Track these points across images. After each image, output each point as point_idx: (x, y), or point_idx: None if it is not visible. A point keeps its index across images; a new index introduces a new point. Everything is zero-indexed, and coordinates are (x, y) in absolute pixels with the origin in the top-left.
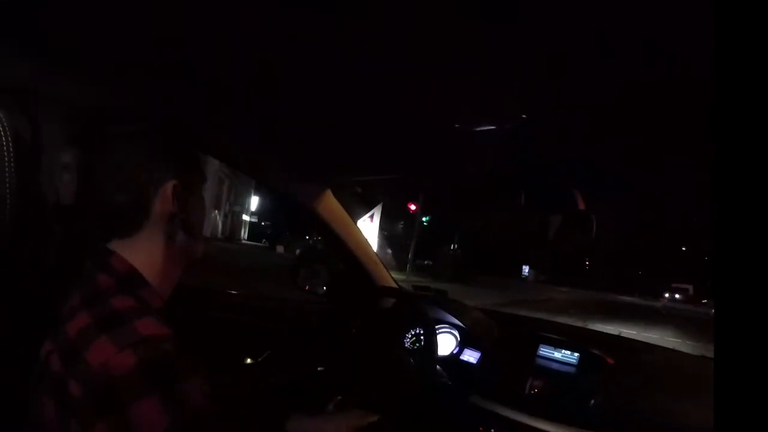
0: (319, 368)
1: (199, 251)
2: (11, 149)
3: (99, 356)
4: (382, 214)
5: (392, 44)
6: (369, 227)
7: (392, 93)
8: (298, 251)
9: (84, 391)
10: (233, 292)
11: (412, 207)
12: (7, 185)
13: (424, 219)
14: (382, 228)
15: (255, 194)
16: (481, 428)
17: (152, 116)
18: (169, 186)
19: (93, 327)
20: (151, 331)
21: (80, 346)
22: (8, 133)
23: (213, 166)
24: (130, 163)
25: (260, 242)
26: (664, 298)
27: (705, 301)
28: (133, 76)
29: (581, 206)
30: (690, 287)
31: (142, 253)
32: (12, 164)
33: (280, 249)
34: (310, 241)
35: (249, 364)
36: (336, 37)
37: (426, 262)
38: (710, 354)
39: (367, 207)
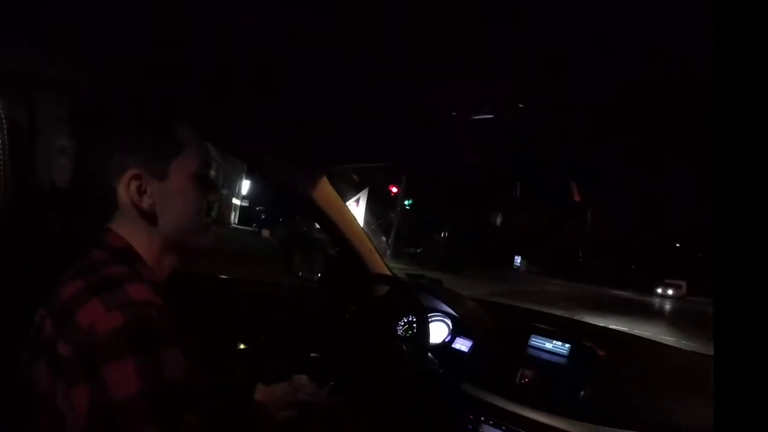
0: (312, 354)
1: (193, 242)
2: (6, 134)
3: (88, 316)
4: (369, 198)
5: (391, 32)
6: (355, 211)
7: (390, 80)
8: (281, 236)
9: (71, 350)
10: (224, 277)
11: (394, 189)
12: (2, 169)
13: (406, 202)
14: (374, 214)
15: (246, 178)
16: (471, 416)
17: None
18: (129, 174)
19: (86, 291)
20: (141, 296)
21: (72, 309)
22: (3, 117)
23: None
24: (97, 151)
25: (251, 227)
26: (657, 293)
27: (692, 298)
28: (129, 62)
29: (576, 198)
30: (684, 283)
31: (131, 236)
32: (7, 148)
33: (266, 233)
34: (298, 226)
35: (242, 349)
36: (334, 24)
37: (412, 250)
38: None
39: (355, 191)
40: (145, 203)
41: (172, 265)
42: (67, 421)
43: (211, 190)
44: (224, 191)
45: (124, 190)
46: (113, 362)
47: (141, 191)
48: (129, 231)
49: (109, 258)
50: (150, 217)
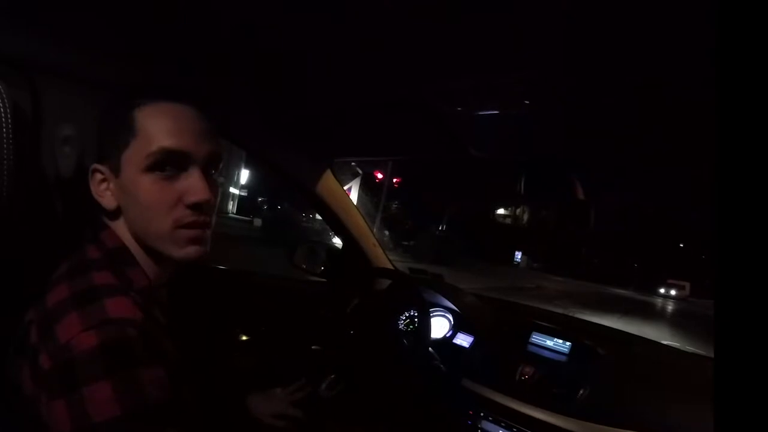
0: (313, 347)
1: (173, 252)
2: (10, 121)
3: (66, 333)
4: (361, 186)
5: (397, 24)
6: None
7: (396, 73)
8: (266, 222)
9: (51, 365)
10: (223, 267)
11: (379, 175)
12: (6, 155)
13: (394, 180)
14: (367, 202)
15: (245, 168)
16: (470, 412)
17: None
18: (91, 169)
19: (68, 301)
20: (120, 313)
21: (53, 321)
22: (8, 104)
23: None
24: (74, 144)
25: (249, 217)
26: (660, 293)
27: (695, 299)
28: (135, 47)
29: (580, 196)
30: (687, 284)
31: (125, 233)
32: (11, 136)
33: (257, 222)
34: (284, 213)
35: (243, 340)
36: (341, 15)
37: (406, 242)
38: None
39: (348, 179)
40: (105, 201)
41: (171, 270)
42: (49, 430)
43: (193, 192)
44: (221, 179)
45: (91, 185)
46: (91, 383)
47: (100, 187)
48: (120, 228)
49: (100, 259)
50: (114, 217)
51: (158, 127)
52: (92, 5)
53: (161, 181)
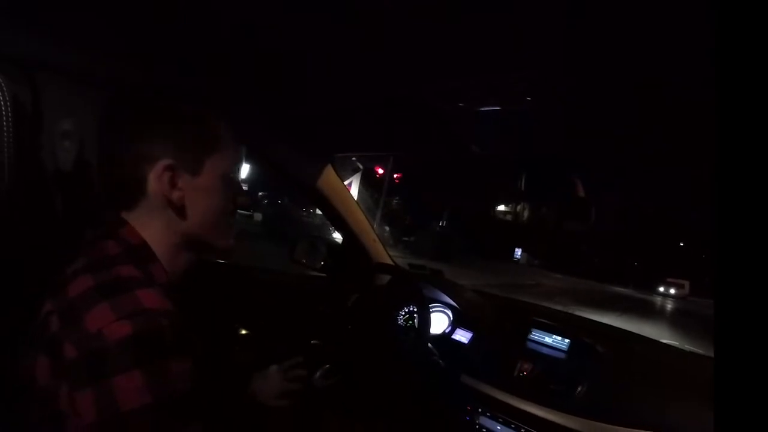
0: (312, 341)
1: (216, 241)
2: (11, 115)
3: (97, 322)
4: (361, 181)
5: (398, 21)
6: None
7: (398, 68)
8: (260, 215)
9: (78, 354)
10: (222, 262)
11: (380, 171)
12: (6, 150)
13: (394, 176)
14: (368, 198)
15: (246, 162)
16: (468, 407)
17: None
18: (161, 164)
19: (95, 291)
20: (152, 303)
21: (80, 310)
22: (8, 99)
23: None
24: (126, 137)
25: (248, 211)
26: (659, 291)
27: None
28: (135, 47)
29: (580, 194)
30: (686, 283)
31: (150, 229)
32: (11, 130)
33: (258, 217)
34: (284, 209)
35: (243, 335)
36: (341, 14)
37: (406, 238)
38: None
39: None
40: (175, 196)
41: (186, 266)
42: (68, 422)
43: (239, 193)
44: None
45: (156, 179)
46: (122, 373)
47: (172, 183)
48: (148, 224)
49: (121, 254)
50: (177, 211)
51: (236, 144)
52: (92, 5)
53: (231, 183)
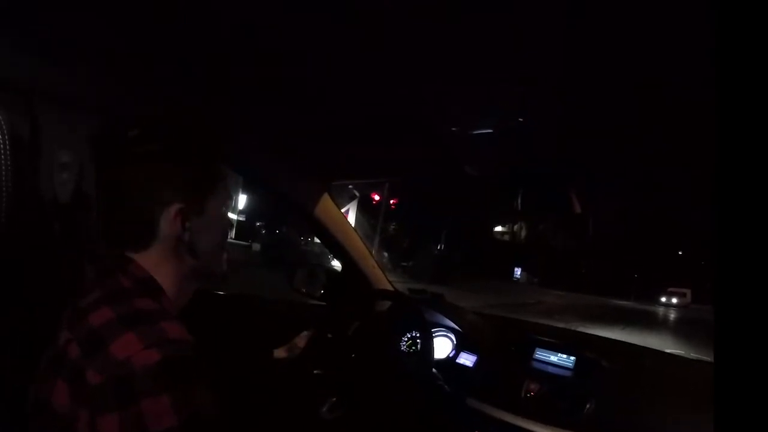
0: (315, 371)
1: (217, 269)
2: (8, 147)
3: (124, 351)
4: (358, 207)
5: (391, 48)
6: None
7: (392, 96)
8: (265, 246)
9: (102, 381)
10: (221, 293)
11: (376, 197)
12: (4, 183)
13: (391, 202)
14: (365, 224)
15: (243, 192)
16: (477, 431)
17: (171, 129)
18: (173, 209)
19: (118, 322)
20: (176, 334)
21: (104, 339)
22: (6, 131)
23: None
24: (138, 184)
25: (247, 242)
26: (661, 302)
27: (697, 306)
28: (132, 75)
29: (577, 210)
30: (688, 291)
31: (157, 267)
32: (9, 162)
33: (256, 247)
34: (282, 237)
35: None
36: (336, 38)
37: (404, 263)
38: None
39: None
40: (187, 237)
41: (188, 296)
42: None
43: (229, 219)
44: None
45: (168, 222)
46: (149, 398)
47: (183, 225)
48: (156, 261)
49: (135, 288)
50: (189, 250)
51: (229, 178)
52: (92, 5)
53: (226, 216)
